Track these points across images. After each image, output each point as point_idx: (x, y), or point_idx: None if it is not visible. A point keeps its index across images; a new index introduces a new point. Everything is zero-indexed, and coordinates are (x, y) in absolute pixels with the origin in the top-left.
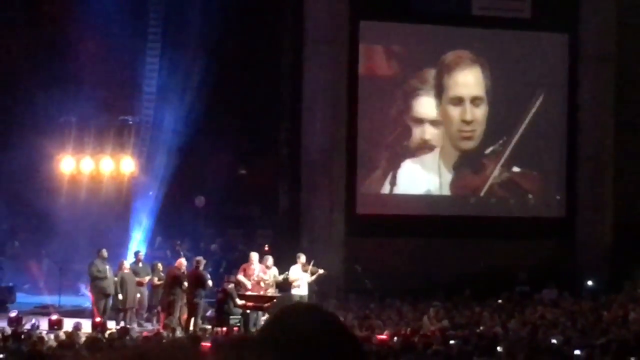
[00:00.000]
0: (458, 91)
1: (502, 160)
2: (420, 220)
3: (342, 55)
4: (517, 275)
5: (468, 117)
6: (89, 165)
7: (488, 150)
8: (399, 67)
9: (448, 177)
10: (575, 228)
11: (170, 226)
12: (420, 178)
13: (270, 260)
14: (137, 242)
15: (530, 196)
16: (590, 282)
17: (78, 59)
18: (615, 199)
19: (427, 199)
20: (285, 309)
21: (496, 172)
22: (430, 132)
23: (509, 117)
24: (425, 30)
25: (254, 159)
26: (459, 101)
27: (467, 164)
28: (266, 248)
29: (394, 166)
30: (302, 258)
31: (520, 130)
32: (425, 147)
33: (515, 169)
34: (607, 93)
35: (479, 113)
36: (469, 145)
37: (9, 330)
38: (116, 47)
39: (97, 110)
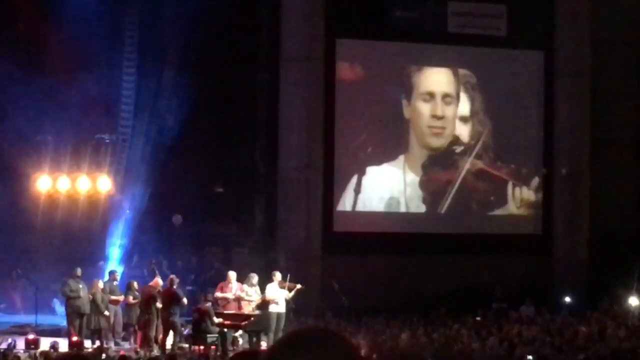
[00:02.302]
0: (429, 87)
1: (474, 154)
2: (397, 238)
3: (318, 73)
4: (493, 292)
5: (439, 112)
6: (66, 184)
7: (459, 150)
8: (375, 84)
9: (416, 177)
10: (552, 244)
11: (147, 245)
12: (384, 182)
13: (255, 278)
14: (114, 261)
15: (509, 187)
16: (567, 299)
17: (54, 77)
18: (591, 215)
19: (404, 216)
20: (295, 332)
21: (468, 164)
22: (398, 133)
23: (482, 132)
24: (402, 47)
25: (230, 176)
26: (429, 97)
27: (437, 162)
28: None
29: (361, 173)
30: (278, 276)
31: (495, 146)
32: (392, 151)
33: (489, 162)
34: (583, 109)
35: (450, 112)
36: (438, 142)
37: None
38: (92, 65)
39: (73, 128)
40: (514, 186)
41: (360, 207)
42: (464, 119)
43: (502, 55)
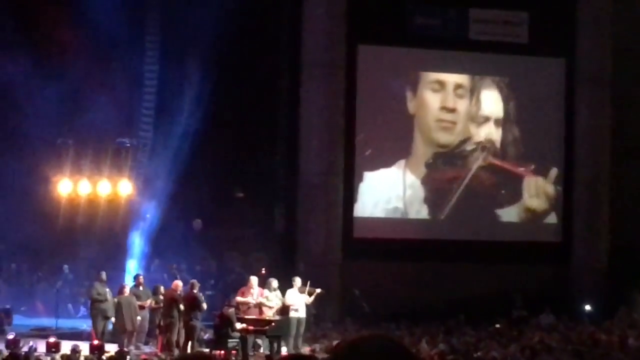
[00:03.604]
0: (439, 76)
1: (487, 151)
2: (417, 245)
3: (339, 79)
4: (513, 299)
5: (450, 104)
6: (86, 187)
7: (470, 148)
8: (396, 90)
9: (416, 179)
10: (571, 252)
11: (167, 249)
12: (383, 187)
13: (275, 283)
14: (134, 265)
15: (523, 186)
16: (587, 307)
17: (75, 81)
18: (611, 223)
19: (424, 223)
20: (356, 339)
21: (479, 160)
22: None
23: (504, 139)
24: (423, 54)
25: (251, 181)
26: (440, 86)
27: (443, 161)
28: (263, 271)
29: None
30: (298, 281)
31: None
32: (392, 155)
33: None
34: (604, 117)
35: (462, 106)
36: (446, 139)
37: (6, 353)
38: (114, 69)
39: (94, 132)
40: (530, 179)
41: (376, 213)
42: (480, 120)
43: (524, 63)
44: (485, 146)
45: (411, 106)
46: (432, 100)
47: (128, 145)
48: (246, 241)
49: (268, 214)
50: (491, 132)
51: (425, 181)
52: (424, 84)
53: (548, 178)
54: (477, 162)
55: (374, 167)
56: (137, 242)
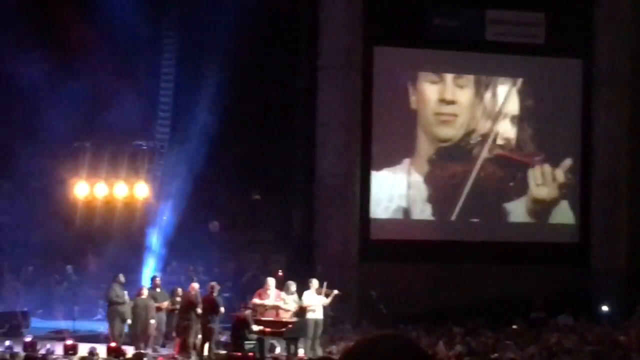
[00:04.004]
0: (438, 67)
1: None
2: (435, 246)
3: (356, 80)
4: (532, 301)
5: (448, 95)
6: (103, 190)
7: (474, 140)
8: (412, 93)
9: (419, 177)
10: (590, 254)
11: (184, 251)
12: (391, 187)
13: (293, 286)
14: (151, 267)
15: (529, 174)
16: (605, 308)
17: (93, 84)
18: (629, 225)
19: (437, 224)
20: (370, 338)
21: (485, 152)
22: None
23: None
24: (440, 55)
25: (268, 184)
26: (438, 78)
27: (446, 156)
28: (280, 273)
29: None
30: (315, 283)
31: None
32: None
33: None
34: (621, 118)
35: (464, 97)
36: (447, 133)
37: (23, 355)
38: (131, 72)
39: (111, 135)
40: (536, 168)
41: (391, 215)
42: (493, 116)
43: (541, 64)
44: (490, 137)
45: (412, 101)
46: (430, 92)
47: (145, 147)
48: (264, 243)
49: (285, 215)
50: (506, 130)
51: (429, 179)
52: (422, 77)
53: (561, 166)
54: (482, 154)
55: (384, 167)
56: (154, 244)
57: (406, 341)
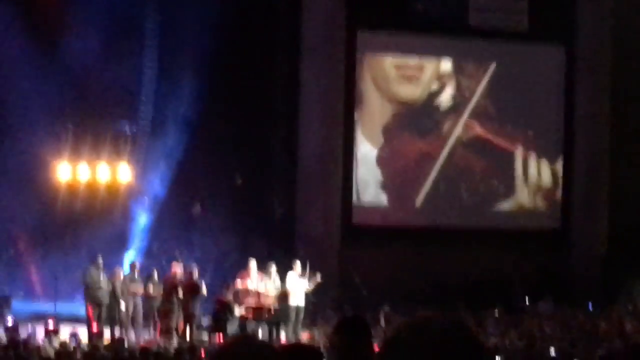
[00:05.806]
0: (420, 51)
1: (466, 116)
2: (416, 231)
3: (338, 64)
4: (512, 286)
5: (410, 61)
6: (85, 172)
7: (446, 106)
8: (394, 76)
9: (373, 148)
10: (570, 239)
11: (166, 234)
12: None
13: (273, 267)
14: (133, 250)
15: (515, 163)
16: (586, 294)
17: (75, 66)
18: (610, 210)
19: (422, 210)
20: (414, 320)
21: (459, 128)
22: None
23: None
24: (422, 40)
25: (250, 167)
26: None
27: (408, 123)
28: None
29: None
30: (298, 265)
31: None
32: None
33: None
34: (603, 104)
35: (430, 64)
36: (411, 92)
37: (5, 339)
38: (113, 54)
39: (93, 117)
40: (524, 159)
41: (371, 199)
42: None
43: (523, 50)
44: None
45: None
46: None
47: (127, 130)
48: (245, 227)
49: (267, 199)
50: (486, 104)
51: (385, 153)
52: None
53: (546, 159)
54: (456, 131)
55: (367, 150)
56: (135, 227)
57: (457, 324)
